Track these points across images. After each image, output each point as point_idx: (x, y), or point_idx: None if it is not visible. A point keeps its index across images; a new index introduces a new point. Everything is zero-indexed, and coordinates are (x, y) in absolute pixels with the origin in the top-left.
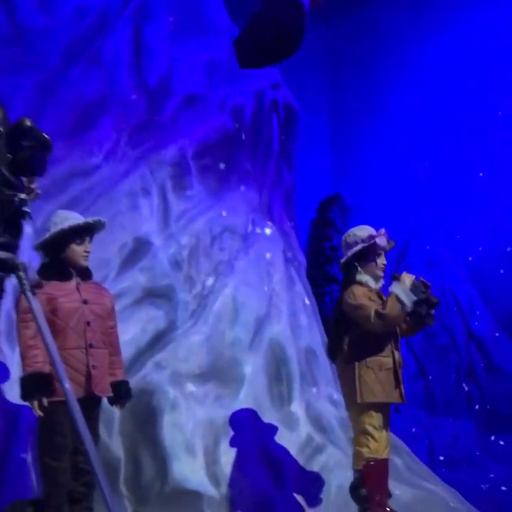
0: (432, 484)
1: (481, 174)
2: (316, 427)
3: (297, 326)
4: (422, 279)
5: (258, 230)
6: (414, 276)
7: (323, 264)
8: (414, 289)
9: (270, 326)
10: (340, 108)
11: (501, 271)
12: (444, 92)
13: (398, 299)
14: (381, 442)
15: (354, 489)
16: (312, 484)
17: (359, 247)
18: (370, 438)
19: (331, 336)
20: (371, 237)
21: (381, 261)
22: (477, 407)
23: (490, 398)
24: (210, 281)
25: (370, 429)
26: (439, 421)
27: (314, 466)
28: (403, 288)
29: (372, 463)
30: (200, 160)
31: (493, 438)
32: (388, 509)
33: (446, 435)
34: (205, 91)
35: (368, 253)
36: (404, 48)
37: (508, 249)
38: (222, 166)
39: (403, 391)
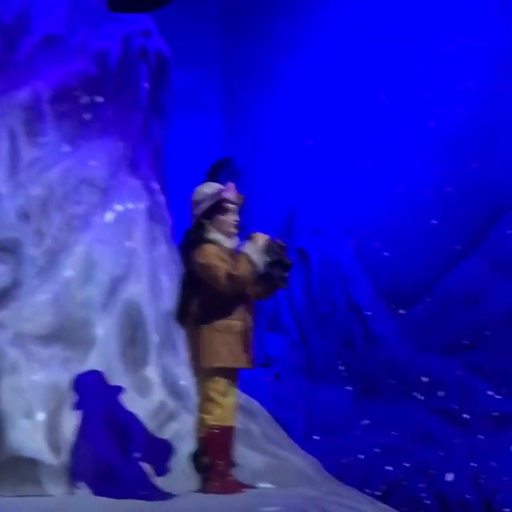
0: (289, 452)
1: (370, 163)
2: (171, 393)
3: (158, 288)
4: (277, 240)
5: (120, 184)
6: (268, 237)
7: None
8: (267, 249)
9: (127, 287)
10: (235, 68)
11: (384, 252)
12: (340, 58)
13: (250, 260)
14: (227, 409)
15: (195, 458)
16: (161, 452)
17: (207, 203)
18: (215, 404)
19: (179, 298)
20: (219, 192)
21: (232, 217)
22: (355, 375)
23: (367, 367)
24: (62, 236)
25: (216, 395)
26: (318, 389)
27: (166, 434)
28: (256, 248)
29: (216, 430)
30: (57, 105)
31: (369, 406)
32: (231, 479)
33: (323, 403)
34: (67, 32)
35: (217, 209)
36: (303, 8)
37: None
38: (81, 112)
39: (252, 356)
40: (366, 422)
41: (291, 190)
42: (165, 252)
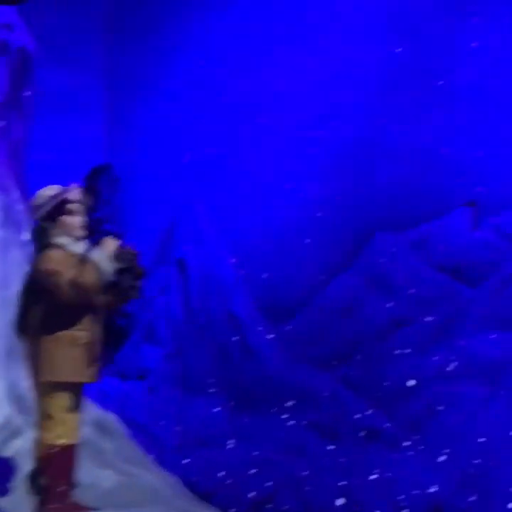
0: (145, 470)
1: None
2: (18, 408)
3: (8, 296)
4: (128, 246)
5: None
6: (119, 242)
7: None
8: (118, 256)
9: None
10: (118, 71)
11: (263, 267)
12: (223, 69)
13: (97, 267)
14: (69, 427)
15: (32, 479)
16: (2, 471)
17: (49, 205)
18: (56, 422)
19: (19, 307)
20: (61, 193)
21: (78, 219)
22: (230, 388)
23: (243, 380)
24: None
25: (57, 411)
26: (194, 402)
27: (9, 451)
28: (105, 254)
29: (55, 450)
30: None
31: (243, 420)
32: (71, 500)
33: (199, 417)
34: None
35: (61, 211)
36: (189, 15)
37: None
38: None
39: (99, 369)
40: (240, 436)
41: (172, 198)
42: (18, 257)
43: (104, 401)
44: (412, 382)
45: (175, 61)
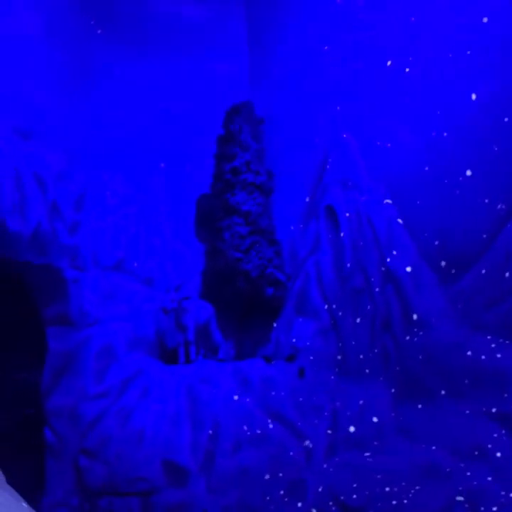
0: None
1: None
2: None
3: None
4: None
5: None
6: None
7: (222, 192)
8: None
9: None
10: (258, 3)
11: (429, 206)
12: None
13: None
14: None
15: None
16: None
17: None
18: None
19: None
20: None
21: None
22: (393, 368)
23: (408, 357)
24: None
25: None
26: (349, 386)
27: None
28: None
29: None
30: None
31: (410, 410)
32: None
33: (354, 404)
34: None
35: None
36: None
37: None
38: None
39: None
40: (403, 433)
41: (318, 139)
42: None
43: (244, 388)
44: None
45: None
